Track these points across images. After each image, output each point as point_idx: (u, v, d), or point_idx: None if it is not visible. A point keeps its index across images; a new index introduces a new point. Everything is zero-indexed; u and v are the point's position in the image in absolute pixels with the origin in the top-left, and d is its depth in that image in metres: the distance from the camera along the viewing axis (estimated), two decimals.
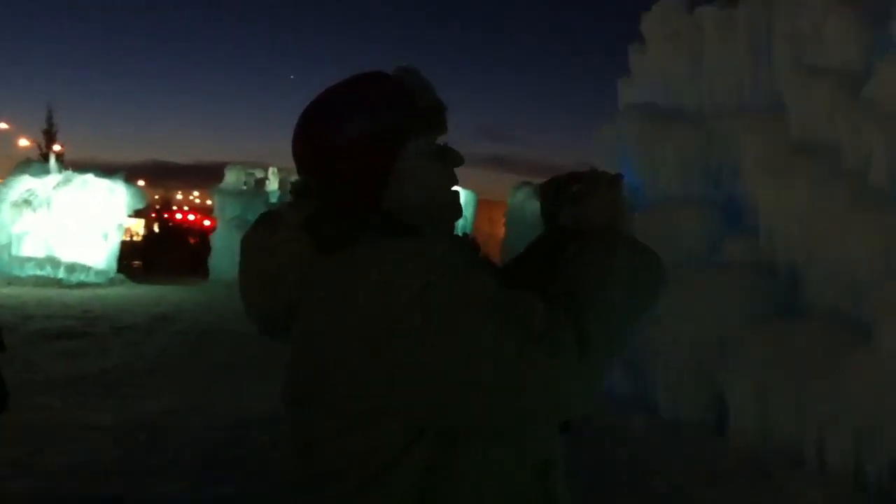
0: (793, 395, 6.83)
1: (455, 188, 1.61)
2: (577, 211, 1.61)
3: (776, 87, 9.21)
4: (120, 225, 25.11)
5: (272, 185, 29.52)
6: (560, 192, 1.67)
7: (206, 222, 45.34)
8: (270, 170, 30.17)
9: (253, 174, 29.49)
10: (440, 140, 1.59)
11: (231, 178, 28.76)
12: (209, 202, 40.30)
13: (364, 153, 1.49)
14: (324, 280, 1.38)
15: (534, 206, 23.79)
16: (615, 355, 1.42)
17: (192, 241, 36.67)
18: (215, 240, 27.05)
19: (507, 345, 1.26)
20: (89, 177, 24.65)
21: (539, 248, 1.69)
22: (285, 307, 1.44)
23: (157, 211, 47.42)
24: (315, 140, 1.53)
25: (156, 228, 41.06)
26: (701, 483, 6.43)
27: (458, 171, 1.61)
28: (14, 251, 23.33)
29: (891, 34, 7.74)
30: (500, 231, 25.47)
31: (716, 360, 7.75)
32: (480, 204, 32.58)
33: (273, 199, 28.61)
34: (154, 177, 73.89)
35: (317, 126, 1.54)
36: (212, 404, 8.89)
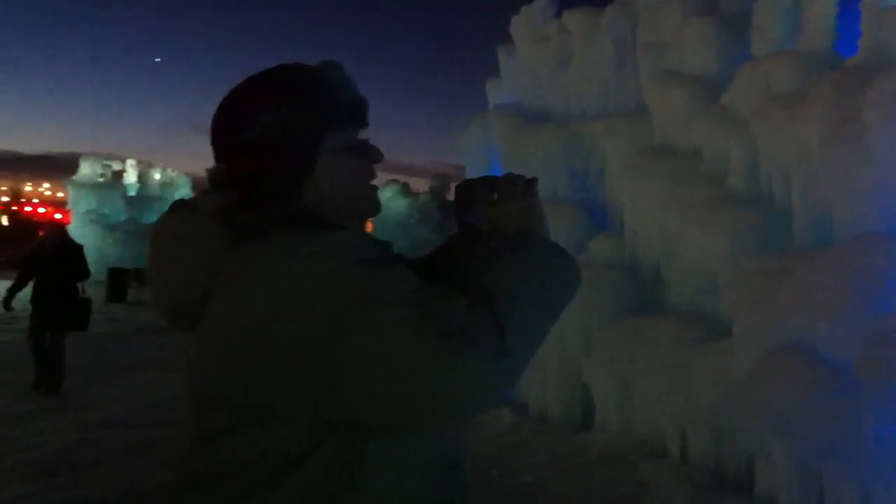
0: (653, 390, 7.06)
1: (374, 183, 1.61)
2: (493, 214, 1.63)
3: (639, 92, 9.50)
4: None
5: (130, 177, 28.41)
6: (475, 195, 1.68)
7: (58, 215, 43.34)
8: (128, 162, 29.03)
9: (110, 166, 28.33)
10: (361, 135, 1.58)
11: (86, 169, 27.57)
12: (60, 195, 38.61)
13: (283, 145, 1.47)
14: (234, 271, 1.35)
15: (400, 204, 23.90)
16: (532, 355, 1.41)
17: (41, 234, 34.96)
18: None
19: (423, 340, 1.24)
20: None
21: (452, 250, 1.71)
22: (198, 298, 1.40)
23: (4, 204, 45.13)
24: (233, 129, 1.51)
25: (4, 221, 39.02)
26: (566, 477, 6.57)
27: None
28: None
29: (747, 43, 8.09)
30: (367, 228, 25.42)
31: (581, 356, 7.94)
32: None
33: (131, 193, 27.63)
34: (1, 167, 70.25)
35: (235, 115, 1.51)
36: (61, 406, 8.55)
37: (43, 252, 9.55)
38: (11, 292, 9.65)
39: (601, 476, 6.53)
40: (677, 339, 7.08)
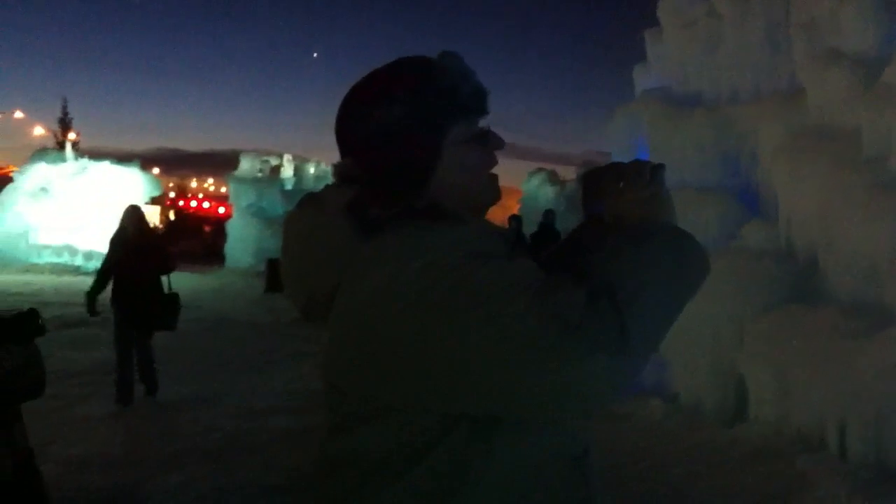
0: (812, 381, 6.81)
1: (495, 171, 1.60)
2: (619, 203, 1.59)
3: (793, 73, 9.15)
4: None
5: (287, 172, 29.49)
6: (602, 183, 1.64)
7: (221, 209, 45.49)
8: (285, 157, 30.13)
9: (268, 161, 29.49)
10: (482, 123, 1.57)
11: (246, 165, 28.82)
12: (223, 189, 40.42)
13: (405, 138, 1.48)
14: (362, 265, 1.38)
15: (547, 192, 23.80)
16: (656, 348, 1.38)
17: (206, 228, 36.70)
18: (231, 228, 27.17)
19: (544, 335, 1.22)
20: (105, 165, 24.83)
21: (578, 240, 1.68)
22: (327, 291, 1.44)
23: (171, 199, 47.54)
24: (358, 123, 1.52)
25: (171, 216, 41.18)
26: (719, 470, 6.44)
27: None
28: (31, 239, 23.54)
29: None
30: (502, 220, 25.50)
31: (735, 346, 7.75)
32: None
33: (288, 187, 28.66)
34: (167, 165, 74.17)
35: (360, 109, 1.52)
36: (224, 394, 8.95)
37: (123, 241, 8.45)
38: (92, 295, 8.56)
39: (756, 470, 6.37)
40: (837, 330, 6.80)
